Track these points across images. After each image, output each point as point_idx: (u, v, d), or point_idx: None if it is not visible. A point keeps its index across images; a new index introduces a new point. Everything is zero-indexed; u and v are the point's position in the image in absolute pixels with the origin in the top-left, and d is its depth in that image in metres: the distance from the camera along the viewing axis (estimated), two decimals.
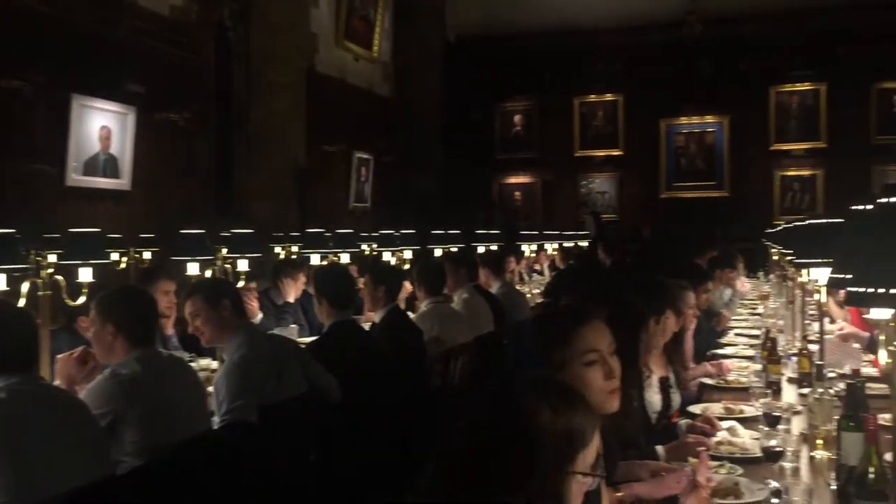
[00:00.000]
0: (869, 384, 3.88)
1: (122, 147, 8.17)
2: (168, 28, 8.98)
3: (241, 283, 4.91)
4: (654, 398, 3.48)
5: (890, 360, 1.51)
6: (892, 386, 1.54)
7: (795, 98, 15.48)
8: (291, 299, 5.63)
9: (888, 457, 2.39)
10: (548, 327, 2.23)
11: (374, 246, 7.00)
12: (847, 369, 3.45)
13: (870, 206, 1.47)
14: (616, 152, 16.63)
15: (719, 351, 5.23)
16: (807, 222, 3.57)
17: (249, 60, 10.40)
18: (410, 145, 14.27)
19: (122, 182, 8.24)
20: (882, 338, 1.60)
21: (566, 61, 16.26)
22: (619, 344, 2.15)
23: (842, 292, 4.16)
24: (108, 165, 8.09)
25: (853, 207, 1.70)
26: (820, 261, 2.76)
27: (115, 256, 6.91)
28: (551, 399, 1.37)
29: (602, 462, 1.49)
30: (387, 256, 6.73)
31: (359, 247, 6.92)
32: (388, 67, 14.55)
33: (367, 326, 4.95)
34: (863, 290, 1.38)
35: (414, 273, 5.46)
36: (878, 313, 1.57)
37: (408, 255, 7.02)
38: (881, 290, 1.34)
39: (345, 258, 6.07)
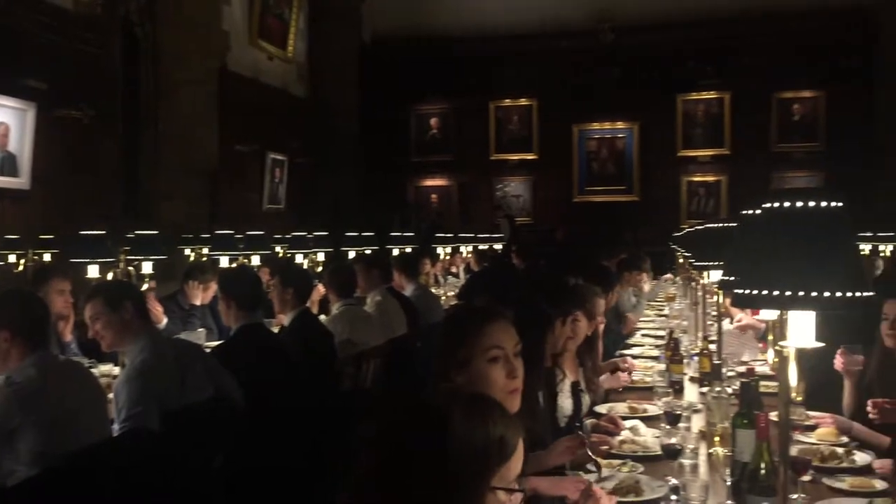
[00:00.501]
0: (763, 382, 4.05)
1: (21, 144, 7.85)
2: (72, 23, 8.67)
3: (145, 286, 4.77)
4: (565, 402, 3.54)
5: (777, 360, 1.57)
6: (781, 384, 1.60)
7: (701, 106, 16.00)
8: (198, 302, 5.50)
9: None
10: (455, 323, 2.25)
11: (287, 248, 6.90)
12: (742, 367, 3.57)
13: (758, 211, 1.53)
14: (530, 156, 16.85)
15: (626, 351, 5.36)
16: (704, 226, 3.70)
17: (158, 57, 10.13)
18: (326, 146, 14.15)
19: (21, 181, 7.92)
20: (770, 337, 1.66)
21: (482, 65, 16.40)
22: (524, 345, 2.18)
23: None
24: (5, 163, 7.76)
25: (743, 212, 1.76)
26: (714, 264, 2.85)
27: (12, 258, 6.63)
28: (465, 408, 1.30)
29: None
30: (299, 259, 6.65)
31: (271, 249, 6.82)
32: (304, 67, 14.40)
33: (276, 329, 4.88)
34: (748, 291, 1.43)
35: (325, 275, 5.41)
36: (767, 314, 1.63)
37: (321, 257, 6.95)
38: (765, 292, 1.40)
39: (255, 260, 5.96)
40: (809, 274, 1.37)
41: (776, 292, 1.38)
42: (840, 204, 1.44)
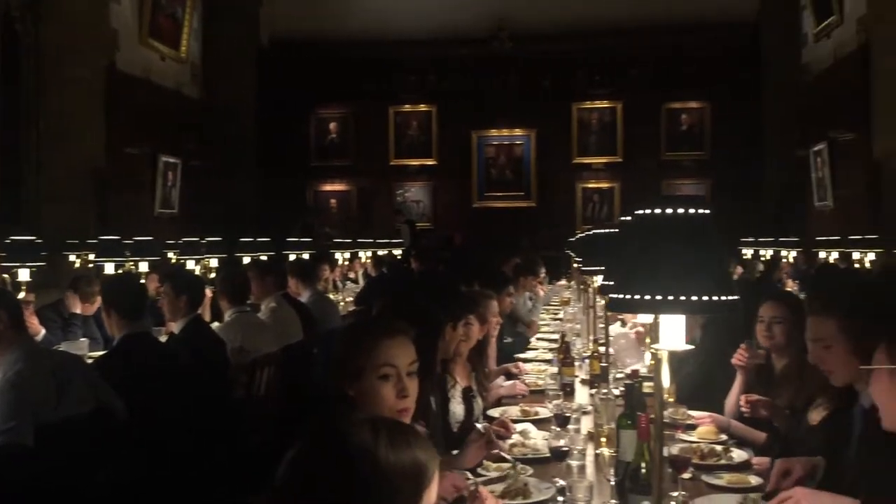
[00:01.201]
0: (648, 383, 4.18)
1: None
2: None
3: (21, 295, 4.53)
4: (457, 408, 3.56)
5: (653, 362, 1.61)
6: (656, 385, 1.64)
7: (595, 115, 16.44)
8: (78, 310, 5.25)
9: (665, 452, 2.57)
10: (352, 334, 2.21)
11: (178, 254, 6.70)
12: (628, 370, 3.67)
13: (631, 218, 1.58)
14: (430, 162, 16.94)
15: (521, 355, 5.44)
16: (591, 232, 3.78)
17: (41, 54, 9.67)
18: (222, 150, 13.82)
19: None
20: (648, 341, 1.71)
21: (381, 70, 16.40)
22: (417, 351, 2.16)
23: None
24: None
25: (622, 218, 1.81)
26: (596, 268, 2.92)
27: None
28: (390, 436, 1.28)
29: None
30: (191, 265, 6.46)
31: (162, 255, 6.61)
32: (198, 68, 14.03)
33: (164, 338, 4.73)
34: (622, 296, 1.47)
35: (217, 282, 5.27)
36: (643, 318, 1.68)
37: (214, 263, 6.78)
38: (637, 297, 1.44)
39: (143, 267, 5.76)
40: (678, 278, 1.42)
41: (647, 296, 1.42)
42: (707, 211, 1.49)
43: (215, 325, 5.26)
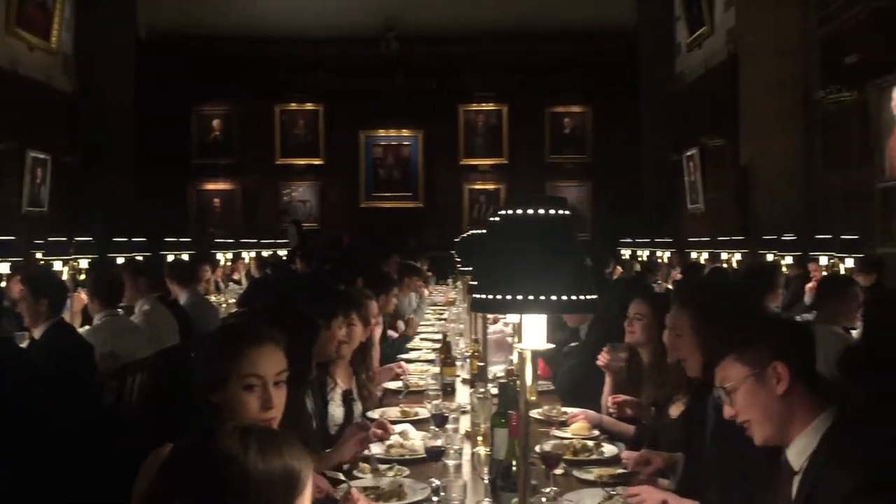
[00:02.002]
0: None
1: None
2: None
3: None
4: (336, 411, 3.53)
5: (518, 362, 1.63)
6: (521, 383, 1.66)
7: (481, 117, 16.67)
8: None
9: (538, 449, 2.62)
10: (220, 340, 2.13)
11: (45, 254, 6.36)
12: (502, 370, 3.72)
13: (496, 218, 1.59)
14: (317, 161, 16.76)
15: (404, 356, 5.44)
16: (469, 233, 3.82)
17: None
18: (97, 146, 13.21)
19: None
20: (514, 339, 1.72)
21: (267, 68, 16.10)
22: (291, 355, 2.11)
23: None
24: None
25: (489, 219, 1.83)
26: (468, 269, 2.95)
27: None
28: (260, 444, 1.26)
29: None
30: (58, 266, 6.14)
31: (29, 255, 6.26)
32: (71, 60, 13.37)
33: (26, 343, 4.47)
34: (485, 296, 1.48)
35: (88, 284, 5.03)
36: (511, 318, 1.69)
37: (84, 264, 6.47)
38: (500, 297, 1.45)
39: (4, 268, 5.43)
40: (538, 279, 1.44)
41: (508, 297, 1.44)
42: (567, 212, 1.52)
43: (84, 328, 5.02)
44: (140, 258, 7.87)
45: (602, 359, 3.47)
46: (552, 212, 1.48)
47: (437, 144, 16.55)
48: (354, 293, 4.09)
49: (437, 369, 4.59)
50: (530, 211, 1.48)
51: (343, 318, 3.52)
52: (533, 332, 1.51)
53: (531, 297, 1.42)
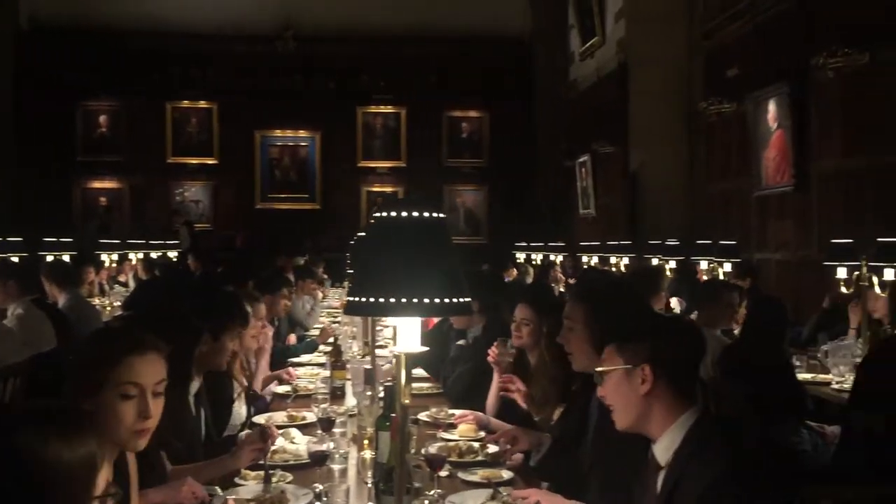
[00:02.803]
0: (416, 385, 4.25)
1: None
2: None
3: None
4: (241, 410, 3.52)
5: (395, 364, 1.63)
6: (397, 386, 1.66)
7: (380, 119, 16.63)
8: None
9: (423, 451, 2.63)
10: (97, 345, 2.03)
11: None
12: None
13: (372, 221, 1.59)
14: (211, 161, 16.35)
15: (295, 359, 5.37)
16: (358, 235, 3.80)
17: None
18: None
19: None
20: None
21: (159, 64, 15.58)
22: (172, 360, 2.05)
23: None
24: None
25: (371, 221, 1.82)
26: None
27: None
28: (56, 434, 1.24)
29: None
30: None
31: None
32: None
33: None
34: (358, 299, 1.47)
35: None
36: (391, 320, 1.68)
37: None
38: (372, 300, 1.45)
39: None
40: (412, 281, 1.45)
41: (382, 299, 1.43)
42: (442, 215, 1.53)
43: None
44: (16, 259, 7.47)
45: (492, 353, 3.51)
46: (426, 215, 1.49)
47: (335, 146, 16.41)
48: (244, 296, 4.00)
49: (327, 373, 4.55)
50: (404, 214, 1.48)
51: (235, 328, 3.44)
52: (407, 334, 1.51)
53: (404, 300, 1.42)
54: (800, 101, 7.03)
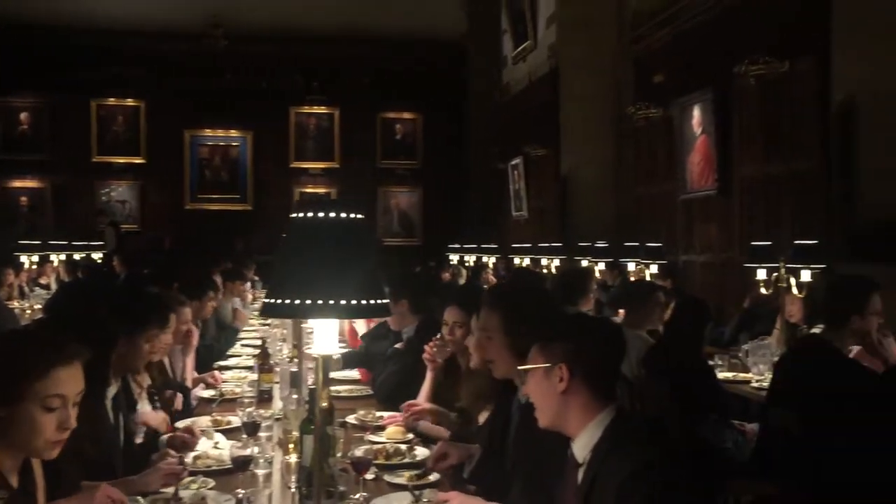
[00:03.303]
0: (338, 388, 4.23)
1: None
2: None
3: None
4: (146, 409, 3.43)
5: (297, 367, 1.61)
6: (316, 388, 1.64)
7: (313, 120, 16.50)
8: None
9: (349, 454, 2.61)
10: (20, 354, 1.91)
11: None
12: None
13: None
14: (138, 160, 15.99)
15: (223, 363, 5.27)
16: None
17: None
18: None
19: None
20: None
21: (83, 60, 15.15)
22: (91, 366, 1.98)
23: None
24: None
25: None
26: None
27: None
28: None
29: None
30: None
31: None
32: None
33: None
34: (275, 301, 1.45)
35: None
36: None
37: None
38: (289, 301, 1.43)
39: None
40: (329, 283, 1.43)
41: (298, 301, 1.41)
42: (361, 216, 1.52)
43: None
44: None
45: (428, 350, 3.49)
46: (344, 215, 1.47)
47: (267, 146, 16.23)
48: (167, 299, 3.91)
49: (255, 376, 4.48)
50: (321, 214, 1.46)
51: (151, 331, 3.36)
52: (324, 336, 1.50)
53: (320, 302, 1.41)
54: (723, 108, 7.22)
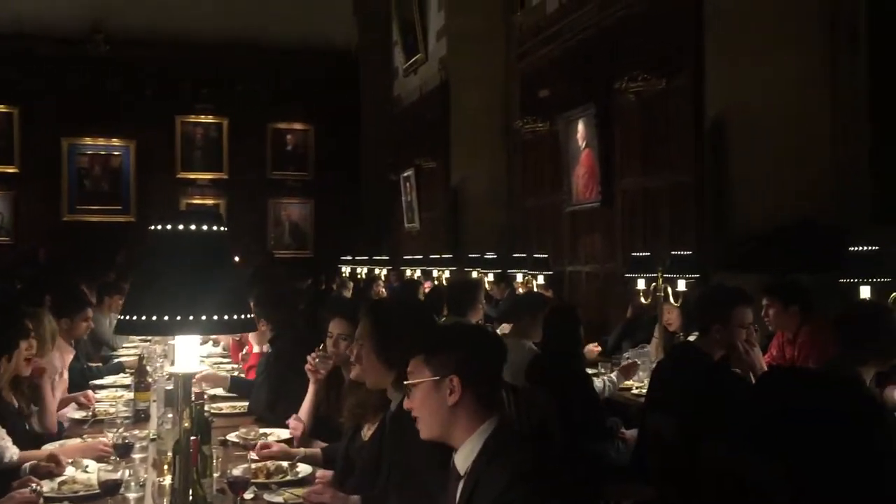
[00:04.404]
0: (219, 405, 4.11)
1: None
2: None
3: None
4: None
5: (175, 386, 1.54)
6: (179, 409, 1.58)
7: (200, 129, 16.08)
8: None
9: (230, 473, 2.54)
10: None
11: None
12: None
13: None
14: (11, 169, 15.18)
15: (97, 381, 5.04)
16: None
17: None
18: None
19: None
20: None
21: None
22: None
23: None
24: None
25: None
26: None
27: None
28: None
29: None
30: None
31: None
32: None
33: None
34: (132, 317, 1.38)
35: None
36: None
37: None
38: (149, 318, 1.37)
39: None
40: (192, 298, 1.38)
41: (155, 317, 1.35)
42: (223, 228, 1.47)
43: None
44: None
45: (310, 363, 3.43)
46: (205, 228, 1.42)
47: (152, 155, 15.69)
48: (30, 316, 3.70)
49: (131, 395, 4.30)
50: (181, 227, 1.41)
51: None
52: (185, 354, 1.44)
53: (179, 318, 1.35)
54: (605, 122, 7.44)
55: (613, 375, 4.87)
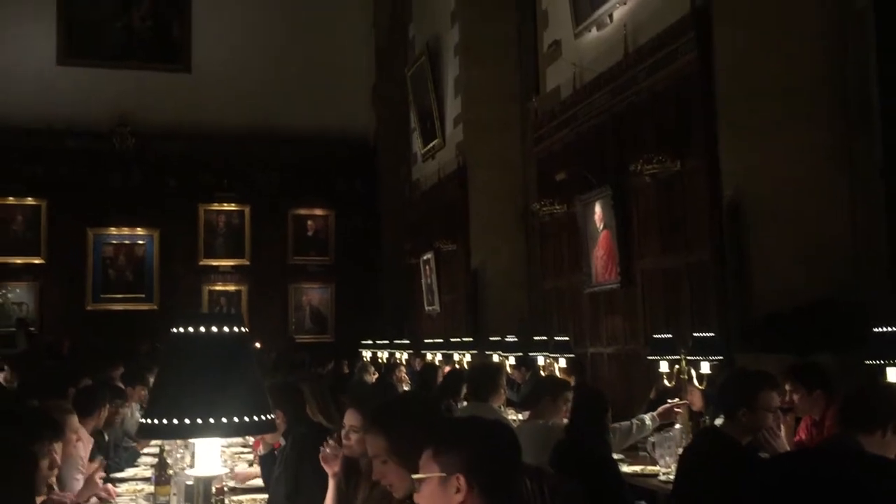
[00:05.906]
0: (238, 498, 4.07)
1: None
2: None
3: None
4: None
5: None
6: None
7: (222, 217, 16.32)
8: None
9: None
10: None
11: None
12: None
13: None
14: (37, 260, 15.42)
15: (118, 474, 5.02)
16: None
17: None
18: None
19: None
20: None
21: None
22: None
23: None
24: None
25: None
26: None
27: None
28: None
29: None
30: None
31: None
32: None
33: None
34: (152, 421, 1.40)
35: None
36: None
37: None
38: (169, 422, 1.38)
39: None
40: (213, 401, 1.39)
41: (176, 421, 1.36)
42: (244, 329, 1.49)
43: None
44: None
45: (323, 454, 3.36)
46: (226, 329, 1.45)
47: (175, 244, 15.91)
48: (54, 409, 3.72)
49: (151, 488, 4.27)
50: (202, 329, 1.43)
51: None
52: (206, 456, 1.45)
53: (200, 422, 1.36)
54: (622, 204, 7.49)
55: (647, 418, 4.79)
